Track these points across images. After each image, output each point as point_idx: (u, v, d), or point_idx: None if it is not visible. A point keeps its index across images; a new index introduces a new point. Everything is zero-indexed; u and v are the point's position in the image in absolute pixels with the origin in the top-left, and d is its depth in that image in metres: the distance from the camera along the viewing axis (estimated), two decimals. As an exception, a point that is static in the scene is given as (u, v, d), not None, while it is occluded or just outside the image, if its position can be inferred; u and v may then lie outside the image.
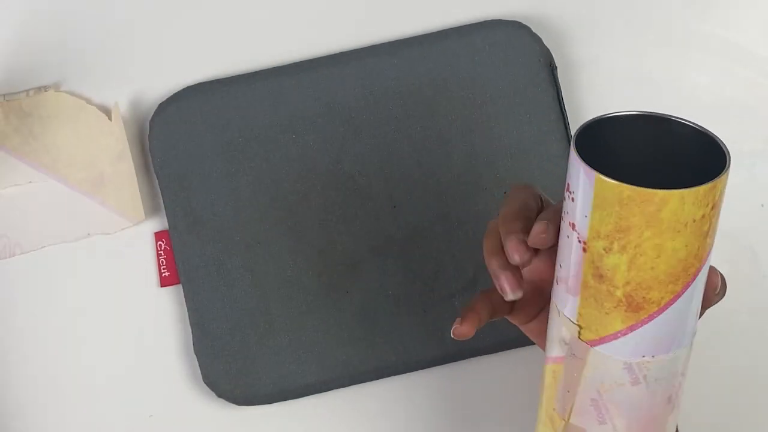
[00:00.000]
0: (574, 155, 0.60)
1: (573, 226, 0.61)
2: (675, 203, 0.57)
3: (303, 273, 0.83)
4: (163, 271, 0.83)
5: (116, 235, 0.83)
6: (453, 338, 0.68)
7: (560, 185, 0.83)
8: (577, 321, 0.63)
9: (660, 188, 0.58)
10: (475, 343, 0.83)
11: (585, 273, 0.61)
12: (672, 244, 0.59)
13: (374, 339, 0.83)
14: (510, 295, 0.65)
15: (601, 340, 0.62)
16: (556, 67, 0.84)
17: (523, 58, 0.84)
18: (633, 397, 0.64)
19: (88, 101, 0.83)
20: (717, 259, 0.87)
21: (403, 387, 0.84)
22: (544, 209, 0.67)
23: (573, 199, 0.60)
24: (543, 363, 0.68)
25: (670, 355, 0.63)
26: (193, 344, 0.82)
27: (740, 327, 0.87)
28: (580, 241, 0.61)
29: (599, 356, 0.63)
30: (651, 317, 0.61)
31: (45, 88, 0.82)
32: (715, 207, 0.59)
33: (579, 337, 0.63)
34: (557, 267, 0.64)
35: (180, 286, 0.83)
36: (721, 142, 0.60)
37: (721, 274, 0.66)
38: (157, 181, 0.83)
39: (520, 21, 0.84)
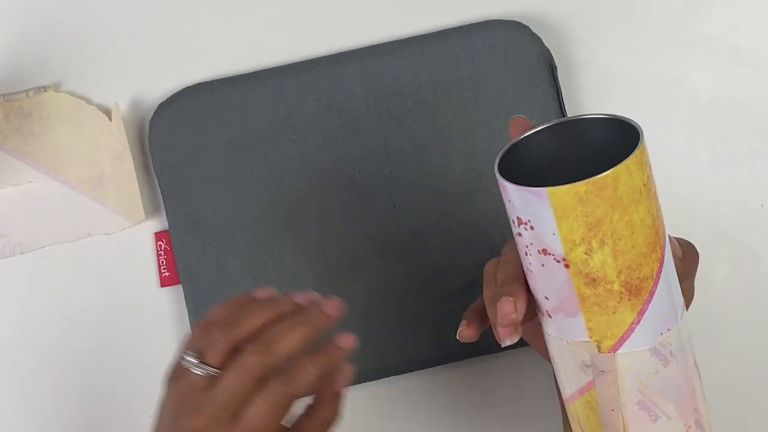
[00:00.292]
0: (509, 186, 0.59)
1: (545, 251, 0.60)
2: (625, 176, 0.58)
3: (303, 273, 0.83)
4: (163, 271, 0.83)
5: (116, 235, 0.83)
6: (458, 340, 0.68)
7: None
8: (590, 337, 0.62)
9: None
10: (476, 343, 0.83)
11: (577, 287, 0.61)
12: (638, 215, 0.60)
13: (374, 339, 0.83)
14: (507, 341, 0.65)
15: (621, 341, 0.62)
16: (556, 67, 0.84)
17: (523, 58, 0.84)
18: (670, 377, 0.64)
19: (88, 101, 0.83)
20: (717, 259, 0.87)
21: (403, 387, 0.84)
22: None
23: (532, 227, 0.60)
24: (567, 404, 0.66)
25: (679, 321, 0.63)
26: (193, 344, 0.82)
27: (740, 327, 0.87)
28: (558, 261, 0.60)
29: (627, 357, 0.62)
30: (651, 294, 0.61)
31: (45, 88, 0.82)
32: (650, 168, 0.60)
33: (600, 351, 0.62)
34: (542, 301, 0.63)
35: (180, 286, 0.83)
36: (630, 119, 0.61)
37: (676, 239, 0.66)
38: (157, 181, 0.83)
39: (520, 21, 0.84)
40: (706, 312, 0.86)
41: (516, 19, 0.84)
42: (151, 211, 0.84)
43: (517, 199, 0.60)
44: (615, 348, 0.62)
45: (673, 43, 0.88)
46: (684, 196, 0.87)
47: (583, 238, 0.59)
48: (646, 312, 0.61)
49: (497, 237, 0.82)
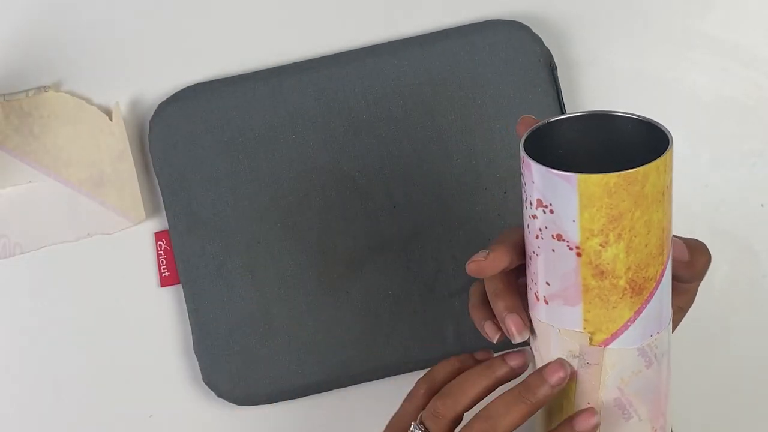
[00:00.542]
0: (537, 167, 0.59)
1: (559, 237, 0.60)
2: (653, 175, 0.60)
3: (303, 273, 0.83)
4: (163, 271, 0.83)
5: (116, 235, 0.83)
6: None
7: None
8: (585, 329, 0.63)
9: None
10: (476, 343, 0.83)
11: (584, 277, 0.61)
12: (657, 216, 0.61)
13: (374, 339, 0.83)
14: (517, 337, 0.65)
15: (614, 336, 0.63)
16: (556, 67, 0.84)
17: (523, 58, 0.84)
18: (650, 379, 0.65)
19: (88, 101, 0.83)
20: (717, 259, 0.87)
21: (403, 387, 0.84)
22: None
23: (552, 211, 0.60)
24: None
25: (668, 325, 0.65)
26: (193, 344, 0.82)
27: (740, 327, 0.87)
28: (571, 249, 0.60)
29: (615, 353, 0.63)
30: (651, 294, 0.62)
31: (45, 88, 0.82)
32: (672, 173, 0.62)
33: (590, 344, 0.63)
34: (542, 286, 0.63)
35: (180, 286, 0.83)
36: (660, 124, 0.62)
37: (686, 239, 0.66)
38: (157, 181, 0.83)
39: (520, 21, 0.84)
40: (706, 312, 0.86)
41: (516, 19, 0.84)
42: (151, 211, 0.84)
43: (543, 180, 0.60)
44: (606, 342, 0.63)
45: (673, 43, 0.88)
46: (684, 196, 0.87)
47: (602, 230, 0.60)
48: (643, 312, 0.62)
49: (497, 237, 0.82)
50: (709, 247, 0.88)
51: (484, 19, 0.85)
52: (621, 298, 0.62)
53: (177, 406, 0.84)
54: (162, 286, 0.83)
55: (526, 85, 0.84)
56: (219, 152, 0.82)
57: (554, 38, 0.86)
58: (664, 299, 0.64)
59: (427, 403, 0.68)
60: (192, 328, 0.82)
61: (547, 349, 0.65)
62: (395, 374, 0.84)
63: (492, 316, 0.67)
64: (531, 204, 0.61)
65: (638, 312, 0.62)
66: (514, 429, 0.64)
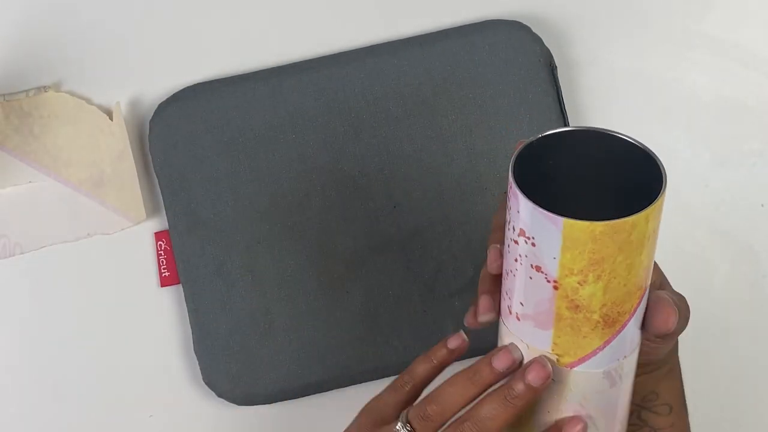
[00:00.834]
0: (525, 202, 0.59)
1: (538, 268, 0.60)
2: (642, 224, 0.58)
3: (303, 273, 0.83)
4: (163, 271, 0.83)
5: (116, 235, 0.83)
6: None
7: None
8: (553, 350, 0.63)
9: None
10: (475, 344, 0.83)
11: (558, 307, 0.61)
12: (639, 259, 0.60)
13: (374, 339, 0.83)
14: (481, 316, 0.66)
15: (581, 360, 0.63)
16: (556, 67, 0.84)
17: (523, 58, 0.84)
18: (612, 397, 0.65)
19: (88, 101, 0.83)
20: (717, 259, 0.87)
21: None
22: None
23: (534, 245, 0.60)
24: None
25: (635, 351, 0.65)
26: (193, 344, 0.82)
27: (740, 327, 0.87)
28: (548, 281, 0.60)
29: (581, 375, 0.64)
30: (623, 326, 0.62)
31: (45, 88, 0.82)
32: (661, 215, 0.60)
33: (557, 364, 0.63)
34: (515, 304, 0.63)
35: (180, 286, 0.83)
36: (658, 158, 0.60)
37: (677, 303, 0.66)
38: (157, 181, 0.83)
39: (520, 21, 0.84)
40: (706, 312, 0.86)
41: (516, 19, 0.84)
42: (151, 211, 0.84)
43: (528, 215, 0.59)
44: (573, 365, 0.63)
45: (673, 43, 0.88)
46: (684, 196, 0.87)
47: (582, 270, 0.59)
48: (613, 341, 0.62)
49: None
50: (709, 247, 0.88)
51: (484, 19, 0.85)
52: (593, 329, 0.62)
53: (177, 406, 0.84)
54: (162, 286, 0.83)
55: (526, 85, 0.84)
56: (219, 152, 0.82)
57: (554, 38, 0.86)
58: (636, 326, 0.64)
59: (410, 399, 0.69)
60: (192, 328, 0.82)
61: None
62: (395, 374, 0.83)
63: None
64: (514, 229, 0.61)
65: (608, 342, 0.62)
66: (502, 429, 0.65)
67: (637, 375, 0.74)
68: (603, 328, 0.62)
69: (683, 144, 0.88)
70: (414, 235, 0.83)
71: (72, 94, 0.83)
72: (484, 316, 0.66)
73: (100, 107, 0.83)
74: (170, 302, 0.84)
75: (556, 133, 0.62)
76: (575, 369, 0.63)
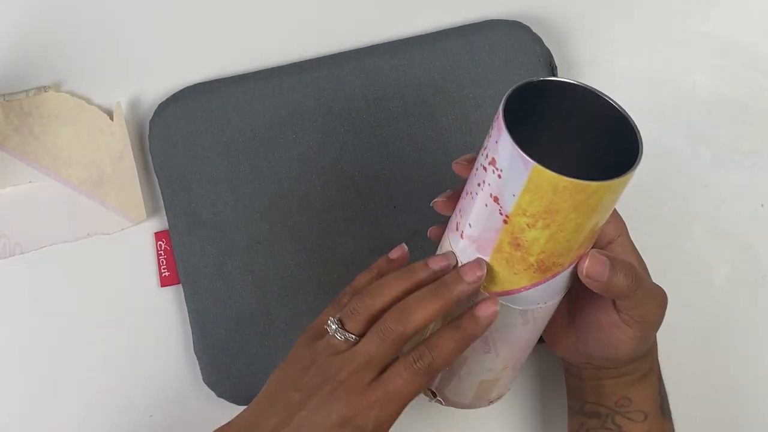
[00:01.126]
0: (507, 136, 0.61)
1: (496, 199, 0.63)
2: (603, 192, 0.61)
3: (303, 273, 0.83)
4: (163, 271, 0.83)
5: (116, 235, 0.83)
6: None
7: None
8: None
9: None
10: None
11: (501, 240, 0.64)
12: (589, 222, 0.63)
13: (374, 339, 0.83)
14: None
15: (504, 293, 0.66)
16: (556, 67, 0.84)
17: (523, 58, 0.84)
18: (520, 333, 0.69)
19: (89, 101, 0.83)
20: (717, 259, 0.87)
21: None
22: None
23: (500, 176, 0.62)
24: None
25: (556, 299, 0.68)
26: (193, 344, 0.82)
27: (740, 327, 0.87)
28: (501, 214, 0.63)
29: (500, 306, 0.66)
30: (553, 276, 0.65)
31: (45, 88, 0.82)
32: (624, 189, 0.63)
33: (481, 289, 0.66)
34: (464, 224, 0.66)
35: (180, 286, 0.83)
36: (640, 137, 0.63)
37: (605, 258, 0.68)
38: (157, 181, 0.83)
39: (520, 21, 0.84)
40: (706, 312, 0.87)
41: (516, 19, 0.84)
42: (151, 211, 0.84)
43: (504, 149, 0.62)
44: (495, 295, 0.66)
45: (673, 43, 0.88)
46: (684, 196, 0.87)
47: (534, 215, 0.62)
48: (539, 286, 0.66)
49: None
50: (709, 247, 0.88)
51: (484, 19, 0.85)
52: (525, 270, 0.65)
53: (177, 406, 0.84)
54: (162, 286, 0.83)
55: (526, 85, 0.84)
56: (219, 152, 0.82)
57: (554, 38, 0.86)
58: (563, 281, 0.67)
59: None
60: (192, 328, 0.82)
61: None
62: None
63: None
64: (486, 156, 0.63)
65: (534, 285, 0.66)
66: (426, 323, 0.66)
67: (606, 379, 0.75)
68: (534, 272, 0.65)
69: (683, 144, 0.88)
70: (414, 235, 0.83)
71: (72, 94, 0.83)
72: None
73: (100, 107, 0.83)
74: (170, 302, 0.84)
75: (556, 81, 0.65)
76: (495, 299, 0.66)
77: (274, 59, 0.84)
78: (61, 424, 0.83)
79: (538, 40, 0.84)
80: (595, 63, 0.87)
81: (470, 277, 0.66)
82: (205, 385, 0.82)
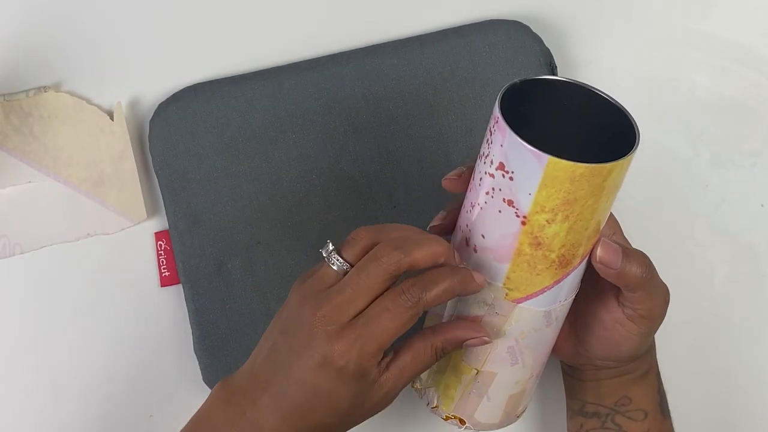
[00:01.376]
0: (512, 136, 0.61)
1: (510, 203, 0.63)
2: (617, 172, 0.62)
3: (303, 273, 0.82)
4: (163, 271, 0.83)
5: (116, 235, 0.83)
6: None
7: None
8: (504, 285, 0.66)
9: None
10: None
11: (521, 243, 0.64)
12: (603, 205, 0.64)
13: (374, 339, 0.83)
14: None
15: (527, 297, 0.66)
16: (556, 67, 0.84)
17: (523, 58, 0.84)
18: (544, 336, 0.69)
19: (88, 101, 0.83)
20: (717, 259, 0.87)
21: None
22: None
23: (512, 179, 0.62)
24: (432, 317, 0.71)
25: (573, 296, 0.68)
26: (193, 344, 0.82)
27: (740, 327, 0.87)
28: (518, 216, 0.63)
29: (524, 311, 0.66)
30: (574, 269, 0.66)
31: (45, 88, 0.82)
32: (629, 169, 0.64)
33: (505, 298, 0.66)
34: (476, 237, 0.66)
35: (180, 286, 0.83)
36: (634, 120, 0.64)
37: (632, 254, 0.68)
38: (157, 181, 0.83)
39: (520, 21, 0.84)
40: (706, 312, 0.87)
41: (516, 19, 0.84)
42: (151, 211, 0.84)
43: (512, 149, 0.62)
44: (519, 301, 0.66)
45: (673, 43, 0.88)
46: (684, 196, 0.87)
47: (553, 209, 0.62)
48: (561, 282, 0.66)
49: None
50: (709, 247, 0.88)
51: (484, 19, 0.85)
52: (547, 268, 0.65)
53: (177, 406, 0.84)
54: (162, 286, 0.83)
55: (526, 85, 0.84)
56: (219, 152, 0.82)
57: (554, 38, 0.86)
58: (581, 272, 0.67)
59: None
60: (192, 328, 0.82)
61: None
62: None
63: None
64: (491, 163, 0.63)
65: (557, 281, 0.66)
66: (425, 263, 0.64)
67: (606, 379, 0.75)
68: (556, 268, 0.65)
69: (683, 144, 0.88)
70: (414, 235, 0.83)
71: (72, 94, 0.83)
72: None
73: (100, 107, 0.83)
74: (170, 302, 0.84)
75: (541, 79, 0.65)
76: (521, 305, 0.66)
77: (274, 59, 0.84)
78: (61, 424, 0.83)
79: (538, 40, 0.84)
80: (594, 63, 0.87)
81: (479, 278, 0.65)
82: (205, 385, 0.82)
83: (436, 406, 0.71)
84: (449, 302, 0.69)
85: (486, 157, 0.64)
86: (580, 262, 0.66)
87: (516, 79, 0.65)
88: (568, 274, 0.66)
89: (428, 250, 0.64)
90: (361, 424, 0.68)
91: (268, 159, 0.83)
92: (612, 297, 0.70)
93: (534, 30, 0.84)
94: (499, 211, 0.64)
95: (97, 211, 0.83)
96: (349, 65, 0.83)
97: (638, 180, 0.85)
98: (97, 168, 0.82)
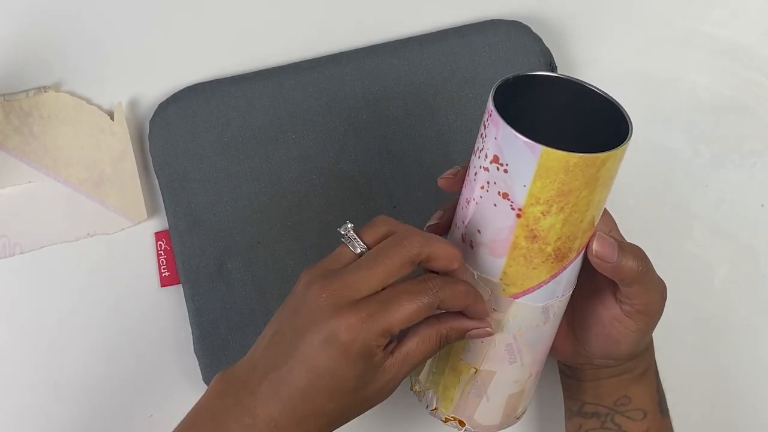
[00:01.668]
0: (506, 128, 0.61)
1: (505, 195, 0.63)
2: (611, 162, 0.62)
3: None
4: (163, 271, 0.83)
5: (116, 235, 0.83)
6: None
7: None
8: (501, 280, 0.66)
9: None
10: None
11: (516, 236, 0.64)
12: (598, 197, 0.64)
13: (374, 339, 0.83)
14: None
15: (525, 292, 0.66)
16: (556, 66, 0.84)
17: (523, 58, 0.84)
18: (542, 334, 0.69)
19: (88, 101, 0.83)
20: (717, 259, 0.87)
21: (402, 387, 0.84)
22: None
23: (506, 171, 0.62)
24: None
25: (570, 291, 0.68)
26: (193, 344, 0.82)
27: (740, 327, 0.87)
28: (513, 209, 0.63)
29: (521, 307, 0.66)
30: (570, 262, 0.66)
31: (45, 88, 0.82)
32: (623, 160, 0.64)
33: (502, 294, 0.66)
34: (472, 232, 0.66)
35: (180, 286, 0.83)
36: (626, 112, 0.64)
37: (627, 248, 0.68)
38: (157, 181, 0.83)
39: (520, 21, 0.84)
40: (706, 312, 0.87)
41: (516, 19, 0.84)
42: (151, 211, 0.84)
43: (505, 141, 0.62)
44: (517, 296, 0.66)
45: (673, 43, 0.88)
46: (684, 196, 0.88)
47: (548, 200, 0.62)
48: (558, 276, 0.66)
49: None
50: (709, 247, 0.88)
51: (484, 19, 0.85)
52: (543, 261, 0.65)
53: (177, 406, 0.83)
54: (162, 286, 0.83)
55: (526, 85, 0.84)
56: (219, 152, 0.82)
57: (554, 38, 0.86)
58: (577, 268, 0.67)
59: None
60: (192, 328, 0.82)
61: None
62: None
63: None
64: (486, 157, 0.63)
65: (554, 276, 0.66)
66: (444, 259, 0.64)
67: (605, 378, 0.75)
68: (553, 262, 0.65)
69: (683, 144, 0.88)
70: (414, 235, 0.83)
71: (72, 94, 0.83)
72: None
73: (100, 107, 0.83)
74: (170, 302, 0.84)
75: (534, 75, 0.66)
76: (518, 300, 0.66)
77: (274, 59, 0.84)
78: (61, 423, 0.83)
79: (538, 40, 0.84)
80: (594, 63, 0.87)
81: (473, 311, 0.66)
82: (205, 385, 0.82)
83: (435, 408, 0.71)
84: None
85: (480, 152, 0.64)
86: (576, 256, 0.66)
87: (509, 75, 0.65)
88: (565, 268, 0.66)
89: (447, 247, 0.64)
90: (360, 426, 0.68)
91: (268, 159, 0.83)
92: (609, 294, 0.70)
93: (534, 30, 0.84)
94: (495, 205, 0.64)
95: (97, 211, 0.83)
96: (349, 65, 0.83)
97: (638, 180, 0.85)
98: (97, 168, 0.82)
